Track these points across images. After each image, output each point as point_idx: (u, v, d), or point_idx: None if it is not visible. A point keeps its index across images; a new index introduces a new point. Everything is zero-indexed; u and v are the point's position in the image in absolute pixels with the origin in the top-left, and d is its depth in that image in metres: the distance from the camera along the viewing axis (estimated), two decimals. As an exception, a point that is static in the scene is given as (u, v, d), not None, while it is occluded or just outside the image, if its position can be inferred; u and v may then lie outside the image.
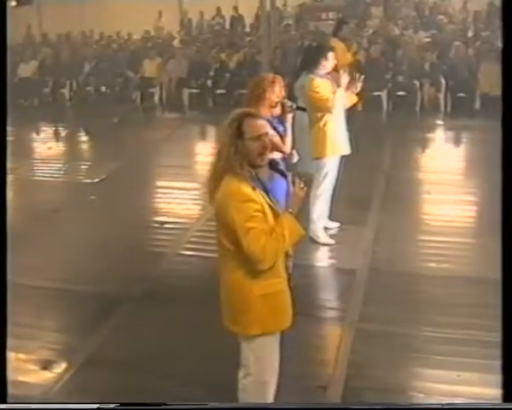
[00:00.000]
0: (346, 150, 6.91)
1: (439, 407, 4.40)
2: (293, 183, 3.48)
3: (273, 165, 3.54)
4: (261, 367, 3.67)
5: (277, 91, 5.33)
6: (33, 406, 4.21)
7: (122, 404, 3.70)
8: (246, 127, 3.35)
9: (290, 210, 3.43)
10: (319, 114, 6.62)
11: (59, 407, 4.10)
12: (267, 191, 3.48)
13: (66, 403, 4.22)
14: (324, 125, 6.65)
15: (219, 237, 3.47)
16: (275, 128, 5.41)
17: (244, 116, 3.39)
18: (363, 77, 6.72)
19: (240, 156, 3.33)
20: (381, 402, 4.38)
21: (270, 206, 3.43)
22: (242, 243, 3.30)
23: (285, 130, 5.43)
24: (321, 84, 6.56)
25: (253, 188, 3.34)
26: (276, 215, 3.44)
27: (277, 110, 5.35)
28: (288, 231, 3.37)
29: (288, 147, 5.47)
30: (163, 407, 3.85)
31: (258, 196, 3.36)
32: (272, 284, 3.49)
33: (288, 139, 5.45)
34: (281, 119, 5.41)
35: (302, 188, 3.47)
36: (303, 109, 6.22)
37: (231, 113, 3.43)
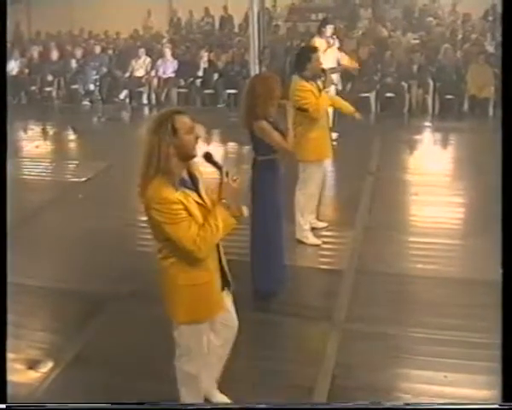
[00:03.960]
0: (330, 155, 6.93)
1: (440, 407, 4.41)
2: (227, 174, 3.61)
3: (208, 158, 3.63)
4: (190, 354, 3.86)
5: (276, 90, 5.39)
6: (33, 406, 4.22)
7: (121, 403, 3.83)
8: (178, 124, 3.46)
9: (224, 201, 3.57)
10: (304, 117, 6.54)
11: (58, 408, 4.08)
12: (198, 190, 3.62)
13: (65, 403, 4.18)
14: (308, 128, 6.59)
15: (153, 234, 3.66)
16: (276, 127, 5.45)
17: (172, 114, 3.50)
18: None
19: (176, 152, 3.45)
20: (372, 401, 4.40)
21: (198, 203, 3.57)
22: (173, 238, 3.47)
23: (286, 128, 5.49)
24: (305, 87, 6.52)
25: (176, 189, 3.45)
26: (206, 211, 3.58)
27: (276, 109, 5.44)
28: (222, 222, 3.53)
29: (289, 144, 5.51)
30: (159, 406, 3.99)
31: (181, 196, 3.46)
32: (198, 276, 3.66)
33: (290, 137, 5.49)
34: (282, 117, 5.48)
35: (235, 180, 3.62)
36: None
37: (157, 116, 3.54)
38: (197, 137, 3.57)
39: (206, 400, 4.31)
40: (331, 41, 10.88)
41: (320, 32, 10.83)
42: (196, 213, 3.52)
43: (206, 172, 3.76)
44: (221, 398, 4.35)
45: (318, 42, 10.46)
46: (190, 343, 3.84)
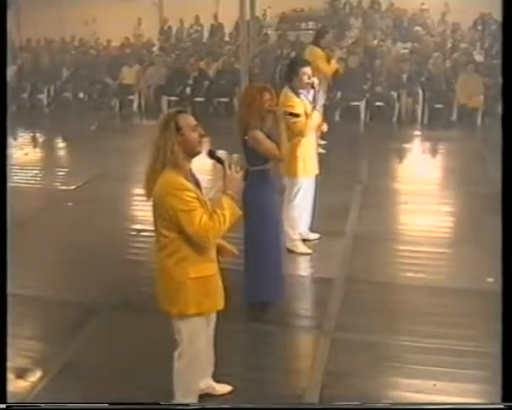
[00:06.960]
0: (316, 171, 6.88)
1: (436, 407, 4.43)
2: (230, 167, 3.82)
3: (211, 154, 3.89)
4: (194, 344, 4.01)
5: (268, 100, 5.35)
6: (33, 406, 4.24)
7: (120, 403, 3.97)
8: (182, 122, 3.73)
9: (229, 192, 3.78)
10: (291, 133, 6.31)
11: (58, 408, 4.08)
12: (199, 186, 3.86)
13: (65, 403, 4.18)
14: (296, 144, 6.49)
15: (158, 228, 3.80)
16: (269, 136, 5.42)
17: (177, 114, 3.78)
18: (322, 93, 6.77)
19: (181, 148, 3.70)
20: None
21: (201, 200, 3.76)
22: (185, 226, 3.65)
23: (279, 137, 5.45)
24: (296, 102, 6.44)
25: (188, 180, 3.72)
26: (206, 208, 3.76)
27: (270, 118, 5.40)
28: (229, 211, 3.72)
29: (283, 154, 5.48)
30: (159, 406, 4.08)
31: (192, 186, 3.72)
32: (206, 267, 3.88)
33: (284, 146, 5.46)
34: (274, 126, 5.44)
35: (237, 171, 3.85)
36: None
37: (163, 116, 3.82)
38: (201, 135, 3.80)
39: (207, 394, 4.43)
40: (333, 53, 10.90)
41: (317, 43, 10.79)
42: (204, 206, 3.73)
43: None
44: (222, 388, 4.52)
45: (319, 53, 10.42)
46: (194, 335, 3.98)
